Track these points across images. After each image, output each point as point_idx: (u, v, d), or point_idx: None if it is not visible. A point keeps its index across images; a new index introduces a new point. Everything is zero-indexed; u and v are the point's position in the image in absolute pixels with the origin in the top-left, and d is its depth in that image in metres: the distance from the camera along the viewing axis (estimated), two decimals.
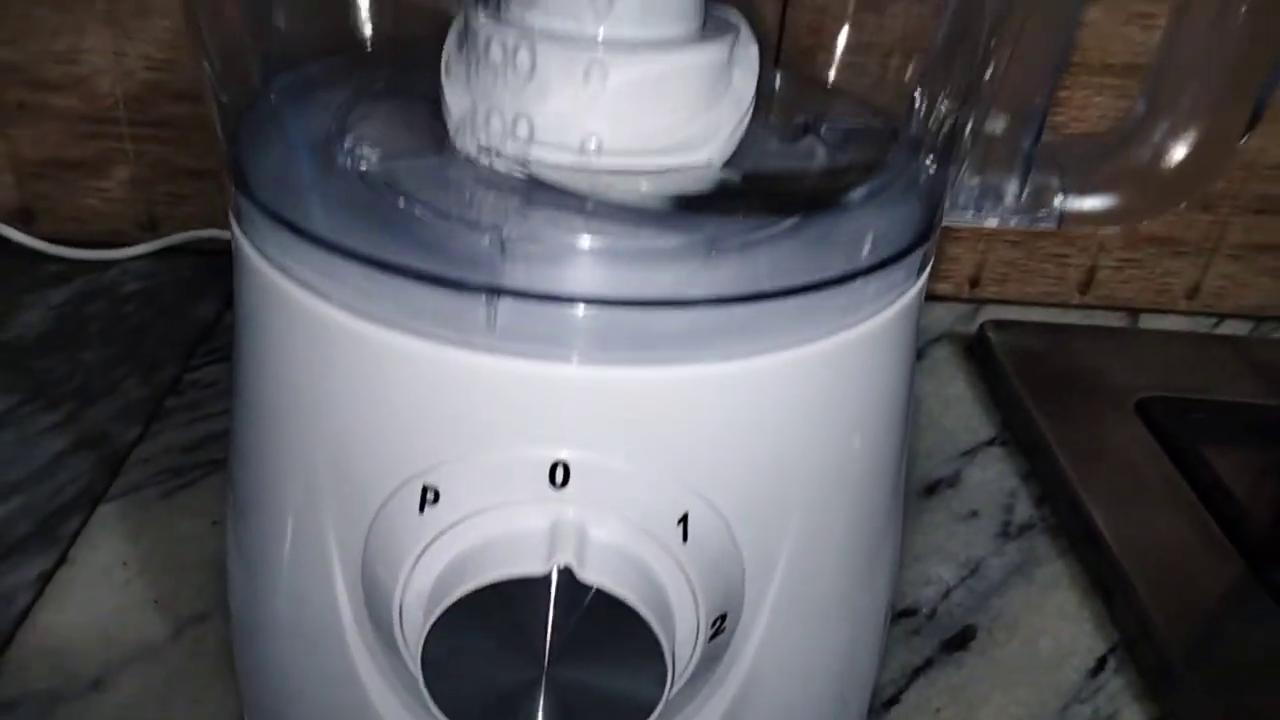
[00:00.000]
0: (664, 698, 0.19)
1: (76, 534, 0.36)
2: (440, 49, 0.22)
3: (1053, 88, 0.24)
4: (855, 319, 0.20)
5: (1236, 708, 0.32)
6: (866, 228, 0.21)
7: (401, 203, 0.19)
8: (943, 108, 0.23)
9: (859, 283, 0.20)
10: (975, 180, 0.25)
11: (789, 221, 0.20)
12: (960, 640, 0.35)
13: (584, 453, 0.18)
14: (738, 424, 0.19)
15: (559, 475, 0.18)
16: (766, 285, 0.19)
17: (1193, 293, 0.57)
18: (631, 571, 0.18)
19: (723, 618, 0.20)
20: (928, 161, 0.23)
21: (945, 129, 0.23)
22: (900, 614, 0.36)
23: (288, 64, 0.23)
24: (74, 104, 0.49)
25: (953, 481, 0.43)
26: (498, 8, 0.20)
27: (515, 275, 0.18)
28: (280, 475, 0.21)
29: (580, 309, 0.18)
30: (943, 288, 0.56)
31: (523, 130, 0.20)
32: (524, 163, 0.20)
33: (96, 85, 0.49)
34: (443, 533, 0.19)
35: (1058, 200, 0.24)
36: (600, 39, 0.19)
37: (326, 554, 0.20)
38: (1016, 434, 0.46)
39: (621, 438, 0.18)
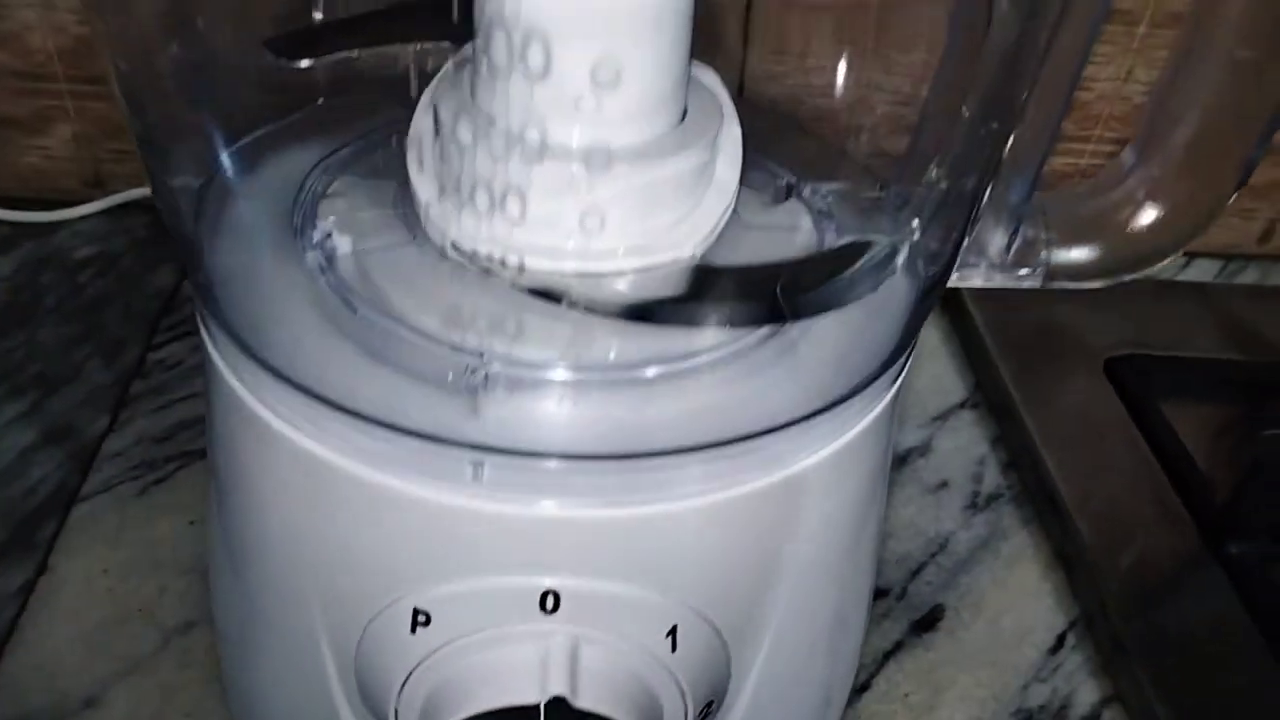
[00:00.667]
0: None
1: (54, 539, 0.36)
2: (401, 109, 0.20)
3: (1050, 147, 0.23)
4: (826, 443, 0.20)
5: (1183, 686, 0.34)
6: (845, 349, 0.21)
7: (380, 332, 0.18)
8: (916, 161, 0.22)
9: (829, 413, 0.20)
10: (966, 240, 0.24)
11: (765, 331, 0.20)
12: (929, 621, 0.37)
13: (573, 581, 0.18)
14: (719, 547, 0.19)
15: (549, 602, 0.18)
16: (740, 430, 0.19)
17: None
18: (623, 689, 0.19)
19: (710, 703, 0.21)
20: (899, 225, 0.22)
21: (913, 183, 0.22)
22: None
23: (242, 133, 0.22)
24: (8, 60, 0.46)
25: (924, 450, 0.44)
26: (473, 97, 0.19)
27: (499, 436, 0.17)
28: (266, 585, 0.21)
29: (563, 463, 0.17)
30: None
31: (507, 245, 0.19)
32: (506, 268, 0.19)
33: (28, 40, 0.46)
34: (433, 653, 0.19)
35: (1044, 254, 0.24)
36: (574, 145, 0.18)
37: (319, 656, 0.21)
38: (988, 396, 0.46)
39: (609, 566, 0.18)
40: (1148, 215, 0.24)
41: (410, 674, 0.19)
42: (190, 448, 0.40)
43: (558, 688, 0.18)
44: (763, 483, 0.19)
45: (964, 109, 0.21)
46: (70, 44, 0.46)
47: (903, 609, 0.37)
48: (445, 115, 0.19)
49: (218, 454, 0.21)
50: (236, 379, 0.19)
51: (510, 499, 0.17)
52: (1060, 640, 0.37)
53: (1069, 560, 0.39)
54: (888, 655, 0.36)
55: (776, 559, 0.20)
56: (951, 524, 0.41)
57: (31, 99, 0.48)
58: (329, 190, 0.21)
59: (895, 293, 0.22)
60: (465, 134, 0.18)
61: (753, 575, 0.20)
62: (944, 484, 0.42)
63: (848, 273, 0.21)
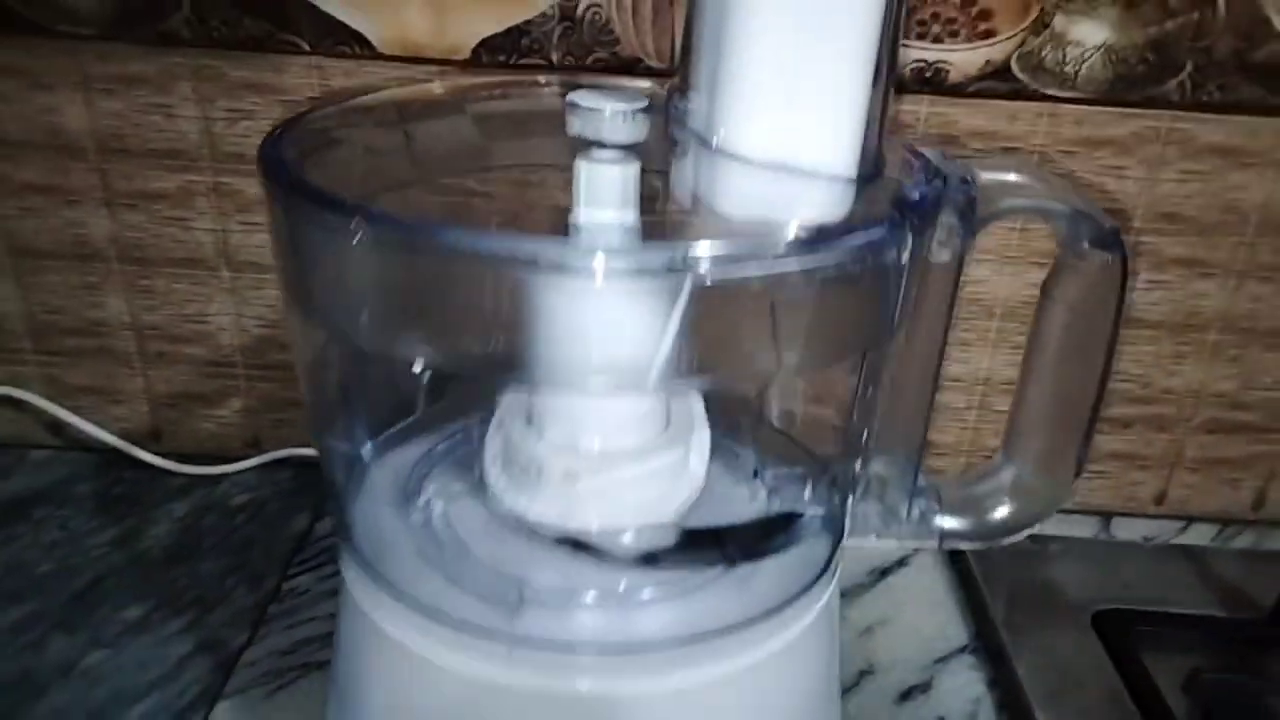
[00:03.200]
0: None
1: None
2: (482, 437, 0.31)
3: (923, 444, 0.32)
4: (773, 637, 0.28)
5: None
6: (784, 572, 0.30)
7: (456, 566, 0.28)
8: (840, 461, 0.32)
9: (778, 615, 0.29)
10: (877, 507, 0.33)
11: (723, 569, 0.29)
12: None
13: None
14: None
15: None
16: (716, 620, 0.27)
17: (1160, 499, 0.63)
18: None
19: None
20: (833, 505, 0.32)
21: (842, 482, 0.31)
22: None
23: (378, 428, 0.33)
24: (200, 352, 0.61)
25: (924, 689, 0.50)
26: (529, 422, 0.30)
27: (529, 631, 0.27)
28: None
29: (577, 654, 0.26)
30: None
31: (543, 507, 0.29)
32: (543, 529, 0.29)
33: (219, 339, 0.61)
34: None
35: (936, 519, 0.33)
36: (581, 452, 0.29)
37: None
38: (985, 643, 0.53)
39: None
40: (1011, 504, 0.33)
41: None
42: (309, 660, 0.49)
43: None
44: (720, 671, 0.27)
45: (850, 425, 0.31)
46: (250, 341, 0.60)
47: None
48: (506, 423, 0.30)
49: (339, 655, 0.31)
50: (360, 593, 0.29)
51: (535, 678, 0.26)
52: None
53: None
54: None
55: None
56: None
57: (214, 380, 0.62)
58: (430, 472, 0.32)
59: (817, 541, 0.31)
60: (518, 438, 0.29)
61: None
62: (941, 719, 0.48)
63: (782, 535, 0.31)
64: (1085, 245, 0.29)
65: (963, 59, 0.51)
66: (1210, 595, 0.55)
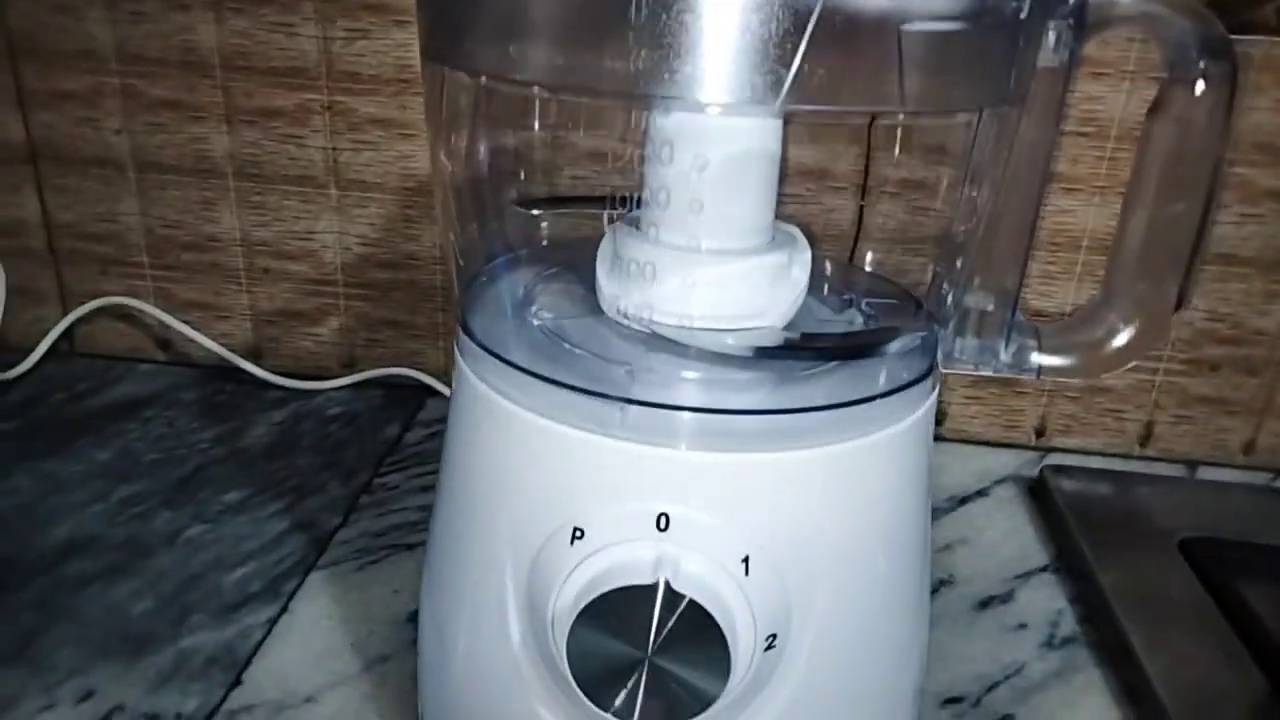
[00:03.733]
0: (727, 686, 0.27)
1: (294, 592, 0.47)
2: (594, 247, 0.33)
3: (1021, 278, 0.33)
4: (875, 429, 0.29)
5: None
6: (882, 367, 0.31)
7: (568, 346, 0.30)
8: (936, 289, 0.33)
9: (876, 404, 0.29)
10: (975, 343, 0.34)
11: (831, 365, 0.30)
12: None
13: (680, 508, 0.28)
14: (788, 497, 0.28)
15: (663, 522, 0.28)
16: (810, 403, 0.28)
17: (1248, 448, 0.62)
18: (710, 591, 0.27)
19: (774, 636, 0.29)
20: (928, 326, 0.32)
21: (938, 304, 0.32)
22: (947, 700, 0.43)
23: (500, 254, 0.35)
24: (305, 269, 0.64)
25: (1005, 599, 0.50)
26: (637, 225, 0.31)
27: (640, 393, 0.28)
28: (471, 519, 0.31)
29: (683, 415, 0.28)
30: (1011, 435, 0.63)
31: (652, 300, 0.30)
32: (650, 325, 0.30)
33: (323, 256, 0.64)
34: (585, 559, 0.28)
35: (1034, 358, 0.33)
36: (702, 248, 0.30)
37: (502, 581, 0.30)
38: (1067, 563, 0.52)
39: (705, 500, 0.28)
40: (1112, 337, 0.33)
41: (568, 576, 0.28)
42: (399, 541, 0.51)
43: (666, 575, 0.27)
44: (819, 450, 0.28)
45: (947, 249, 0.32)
46: (352, 259, 0.63)
47: (976, 714, 0.42)
48: (619, 239, 0.31)
49: (451, 434, 0.32)
50: (472, 370, 0.30)
51: (644, 439, 0.27)
52: None
53: (1138, 694, 0.43)
54: None
55: (829, 522, 0.29)
56: (1027, 656, 0.46)
57: (315, 299, 0.65)
58: (543, 287, 0.34)
59: (915, 354, 0.31)
60: (627, 241, 0.30)
61: (810, 530, 0.28)
62: (1023, 625, 0.48)
63: (881, 344, 0.32)
64: (1195, 57, 0.29)
65: None
66: None
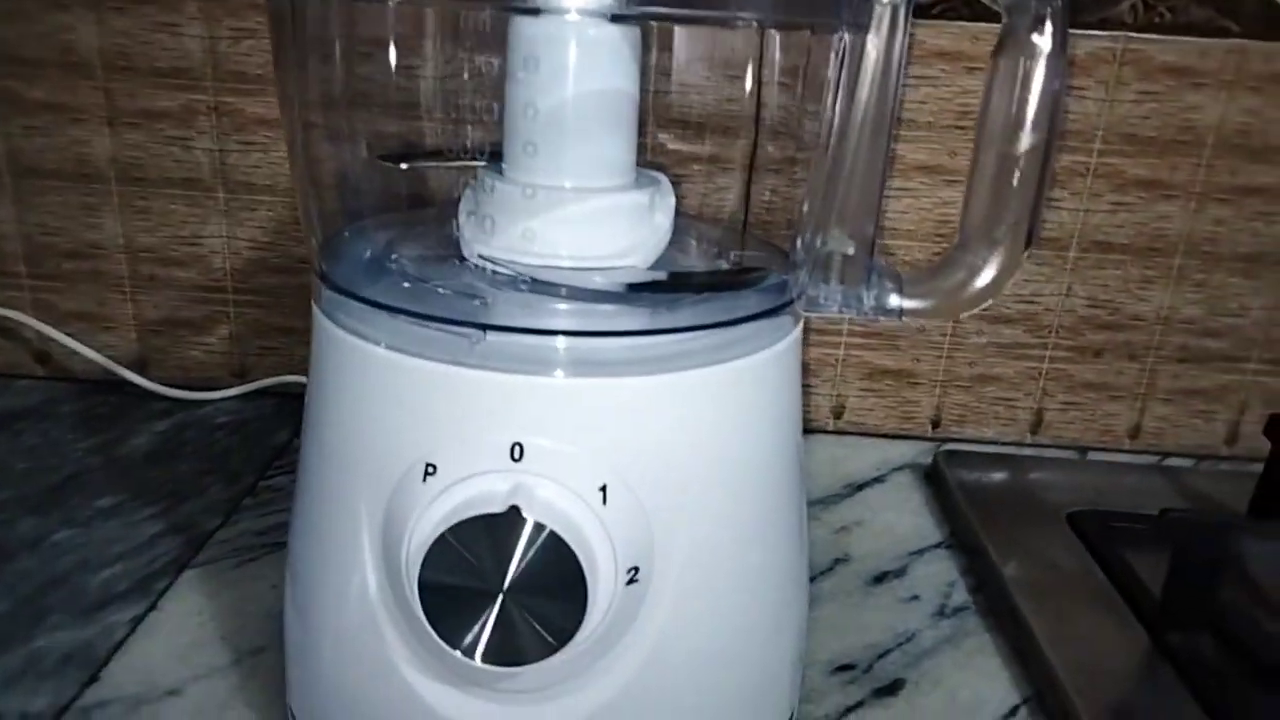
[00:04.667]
0: (586, 620, 0.27)
1: (165, 590, 0.45)
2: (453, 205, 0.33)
3: (876, 225, 0.33)
4: (733, 357, 0.29)
5: None
6: (741, 300, 0.31)
7: (426, 285, 0.29)
8: (799, 235, 0.33)
9: (735, 332, 0.29)
10: (839, 288, 0.34)
11: (695, 299, 0.30)
12: (890, 689, 0.41)
13: (535, 438, 0.27)
14: (645, 423, 0.28)
15: (517, 452, 0.27)
16: (661, 324, 0.28)
17: (1134, 432, 0.64)
18: (565, 520, 0.27)
19: (635, 569, 0.28)
20: (787, 266, 0.33)
21: (802, 250, 0.33)
22: (838, 668, 0.42)
23: (358, 216, 0.35)
24: (192, 276, 0.62)
25: (899, 574, 0.50)
26: (499, 171, 0.31)
27: (492, 316, 0.28)
28: (329, 468, 0.30)
29: (536, 341, 0.27)
30: (908, 427, 0.64)
31: (513, 243, 0.30)
32: (511, 267, 0.30)
33: (211, 262, 0.62)
34: (438, 495, 0.27)
35: (895, 301, 0.34)
36: (565, 187, 0.30)
37: (358, 524, 0.29)
38: (960, 539, 0.53)
39: (560, 429, 0.27)
40: (966, 279, 0.34)
41: (420, 515, 0.27)
42: (281, 540, 0.49)
43: (517, 503, 0.26)
44: (673, 375, 0.28)
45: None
46: (241, 264, 0.62)
47: (867, 679, 0.42)
48: (480, 184, 0.31)
49: (310, 387, 0.31)
50: (327, 316, 0.29)
51: (495, 366, 0.27)
52: (1014, 710, 0.40)
53: (1026, 655, 0.43)
54: (848, 710, 0.40)
55: (688, 449, 0.28)
56: (919, 625, 0.46)
57: (204, 306, 0.63)
58: (404, 238, 0.33)
59: (780, 290, 0.32)
60: (487, 186, 0.30)
61: (666, 457, 0.28)
62: (915, 597, 0.48)
63: (745, 281, 0.32)
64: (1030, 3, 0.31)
65: None
66: (1183, 503, 0.55)
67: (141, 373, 0.63)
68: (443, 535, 0.26)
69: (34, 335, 0.63)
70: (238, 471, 0.55)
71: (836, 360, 0.63)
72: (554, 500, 0.27)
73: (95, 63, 0.58)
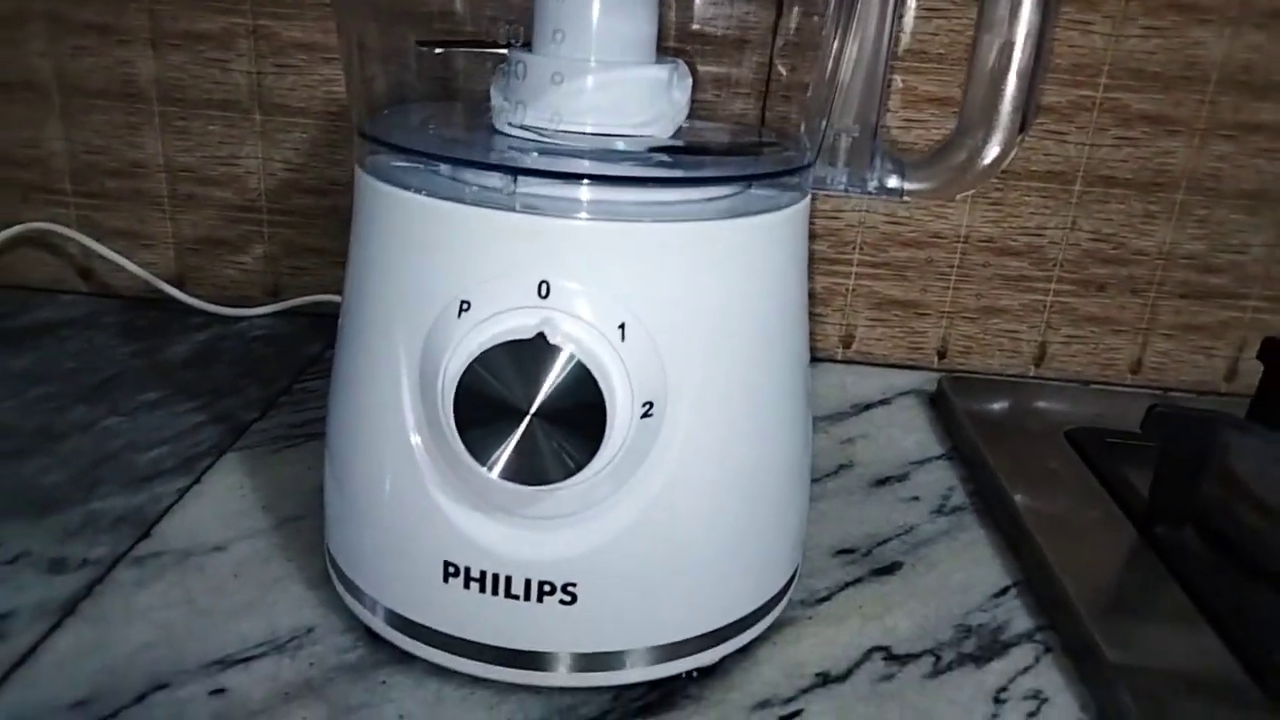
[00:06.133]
0: (603, 445, 0.29)
1: (208, 468, 0.48)
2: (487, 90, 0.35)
3: (879, 113, 0.36)
4: (747, 213, 0.32)
5: (1112, 624, 0.39)
6: (753, 164, 0.33)
7: (463, 147, 0.32)
8: (810, 121, 0.36)
9: (749, 195, 0.32)
10: (845, 170, 0.36)
11: (709, 159, 0.32)
12: (888, 570, 0.44)
13: (559, 278, 0.30)
14: (663, 267, 0.30)
15: (544, 290, 0.30)
16: (681, 175, 0.31)
17: (1136, 367, 0.66)
18: (587, 350, 0.29)
19: (650, 404, 0.31)
20: (795, 144, 0.35)
21: (812, 135, 0.35)
22: (839, 551, 0.45)
23: (400, 100, 0.37)
24: (228, 196, 0.65)
25: (901, 479, 0.52)
26: (528, 47, 0.33)
27: (525, 164, 0.30)
28: (371, 310, 0.32)
29: (563, 188, 0.30)
30: (915, 358, 0.66)
31: (541, 116, 0.32)
32: (540, 132, 0.32)
33: (247, 182, 0.65)
34: (472, 329, 0.30)
35: (895, 182, 0.36)
36: (591, 61, 0.32)
37: (396, 360, 0.32)
38: (961, 452, 0.55)
39: (581, 269, 0.30)
40: (971, 163, 0.36)
41: (455, 347, 0.30)
42: (317, 431, 0.52)
43: (543, 329, 0.29)
44: (691, 224, 0.30)
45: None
46: (276, 185, 0.65)
47: (866, 561, 0.44)
48: (511, 62, 0.33)
49: (353, 239, 0.34)
50: (368, 171, 0.32)
51: (526, 209, 0.29)
52: (1003, 591, 0.43)
53: (1018, 546, 0.46)
54: (848, 584, 0.42)
55: (702, 295, 0.31)
56: (918, 520, 0.48)
57: (239, 225, 0.66)
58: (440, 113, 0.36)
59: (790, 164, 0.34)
60: (519, 62, 0.33)
61: (682, 302, 0.30)
62: (915, 498, 0.50)
63: (758, 152, 0.34)
64: None
65: None
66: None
67: (180, 289, 0.66)
68: (475, 361, 0.29)
69: (78, 250, 0.66)
70: (273, 376, 0.58)
71: (846, 290, 0.65)
72: (577, 332, 0.29)
73: None
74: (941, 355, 0.66)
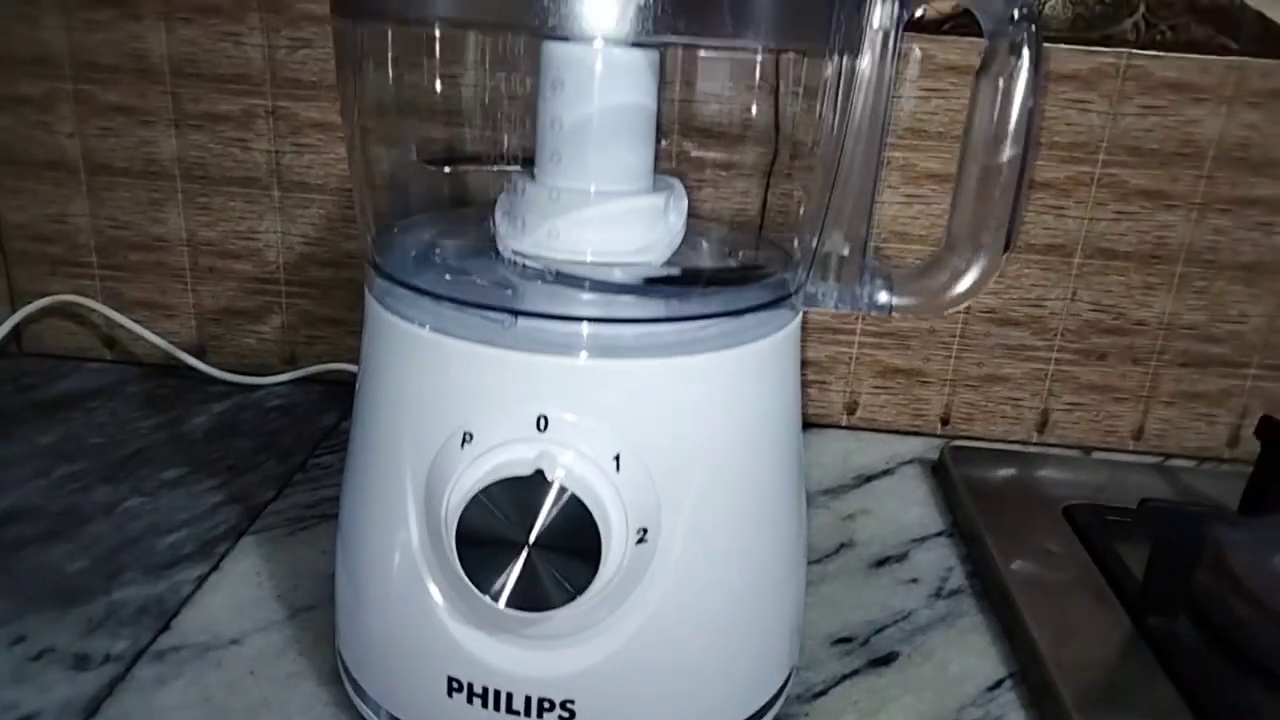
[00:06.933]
0: (600, 572, 0.30)
1: (225, 553, 0.49)
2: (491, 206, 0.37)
3: (869, 229, 0.37)
4: (736, 344, 0.33)
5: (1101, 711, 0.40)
6: (745, 293, 0.34)
7: (468, 278, 0.33)
8: (800, 237, 0.37)
9: (739, 321, 0.33)
10: (836, 285, 0.38)
11: (699, 290, 0.34)
12: (884, 660, 0.45)
13: (559, 411, 0.31)
14: (656, 401, 0.31)
15: (542, 424, 0.31)
16: (676, 314, 0.32)
17: (1138, 434, 0.67)
18: (583, 483, 0.31)
19: (644, 530, 0.32)
20: (788, 265, 0.36)
21: (802, 250, 0.36)
22: (837, 641, 0.46)
23: (407, 213, 0.39)
24: (248, 268, 0.67)
25: (900, 559, 0.53)
26: (532, 175, 0.35)
27: (523, 304, 0.31)
28: (379, 436, 0.34)
29: (560, 325, 0.31)
30: (919, 424, 0.67)
31: (541, 240, 0.34)
32: (540, 261, 0.34)
33: (265, 255, 0.67)
34: (474, 460, 0.31)
35: (884, 298, 0.37)
36: (590, 191, 0.34)
37: (403, 484, 0.33)
38: (961, 528, 0.56)
39: (579, 404, 0.31)
40: (955, 285, 0.37)
41: (458, 476, 0.31)
42: (330, 512, 0.53)
43: (541, 467, 0.30)
44: (681, 359, 0.31)
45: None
46: (294, 258, 0.67)
47: (863, 651, 0.45)
48: (514, 187, 0.35)
49: (362, 364, 0.35)
50: (378, 300, 0.34)
51: (526, 348, 0.31)
52: (999, 683, 0.44)
53: (1013, 633, 0.46)
54: (845, 677, 0.43)
55: (694, 425, 0.32)
56: (916, 605, 0.49)
57: (258, 296, 0.68)
58: (447, 234, 0.37)
59: (780, 284, 0.35)
60: (521, 190, 0.34)
61: (673, 432, 0.32)
62: (915, 580, 0.51)
63: (750, 277, 0.35)
64: (1009, 24, 0.34)
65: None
66: (1181, 500, 0.58)
67: (200, 358, 0.68)
68: (477, 494, 0.30)
69: (103, 321, 0.69)
70: (289, 449, 0.60)
71: (850, 359, 0.66)
72: (574, 466, 0.31)
73: (164, 69, 0.63)
74: (945, 422, 0.67)
